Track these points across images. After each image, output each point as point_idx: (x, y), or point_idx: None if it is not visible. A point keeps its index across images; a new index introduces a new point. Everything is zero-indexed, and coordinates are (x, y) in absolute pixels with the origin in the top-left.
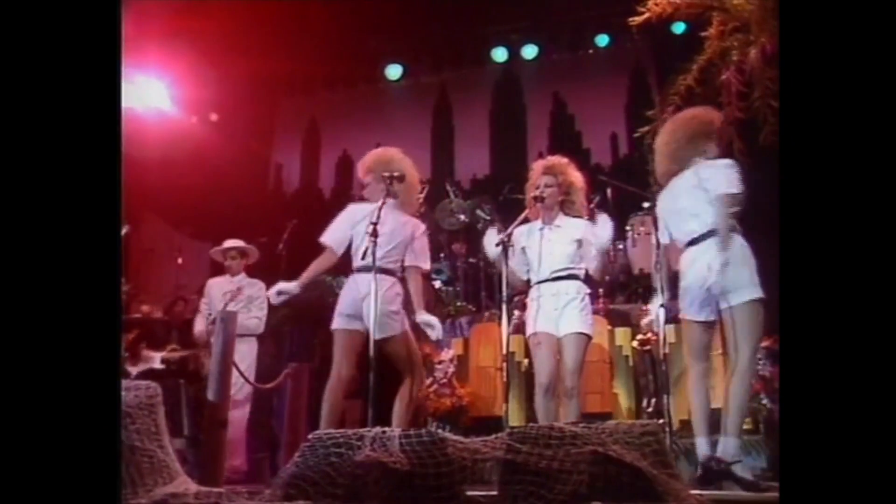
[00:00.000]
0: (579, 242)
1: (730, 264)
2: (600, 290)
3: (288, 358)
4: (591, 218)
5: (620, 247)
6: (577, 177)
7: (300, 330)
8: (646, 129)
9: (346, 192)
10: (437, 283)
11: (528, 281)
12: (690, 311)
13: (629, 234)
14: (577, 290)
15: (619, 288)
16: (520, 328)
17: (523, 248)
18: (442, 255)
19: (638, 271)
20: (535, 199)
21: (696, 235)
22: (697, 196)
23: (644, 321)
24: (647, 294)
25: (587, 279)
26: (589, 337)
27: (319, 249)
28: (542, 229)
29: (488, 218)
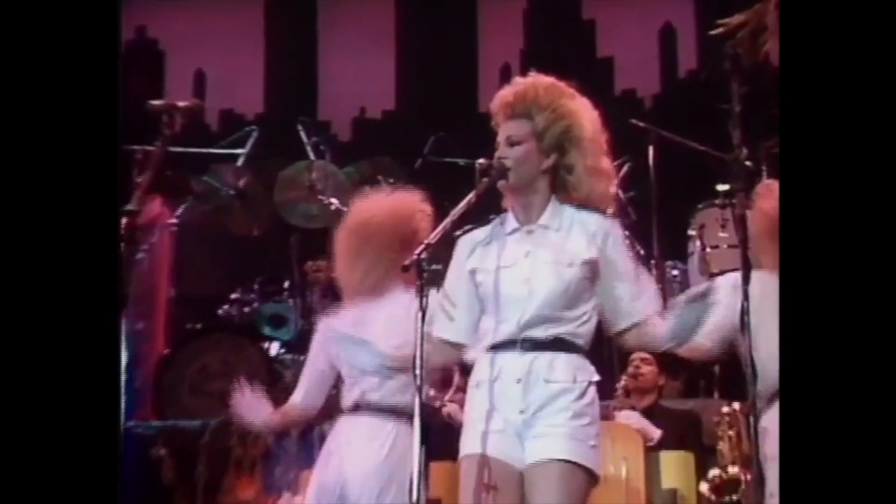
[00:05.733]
0: (589, 264)
1: None
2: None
3: None
4: (617, 208)
5: (675, 273)
6: (584, 115)
7: None
8: (735, 20)
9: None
10: (275, 347)
11: (462, 345)
12: None
13: (693, 244)
14: (571, 375)
15: (668, 362)
16: (448, 447)
17: (473, 271)
18: (286, 283)
19: None
20: (484, 170)
21: None
22: None
23: (724, 442)
24: (727, 377)
25: (598, 350)
26: (589, 474)
27: None
28: (511, 233)
29: None
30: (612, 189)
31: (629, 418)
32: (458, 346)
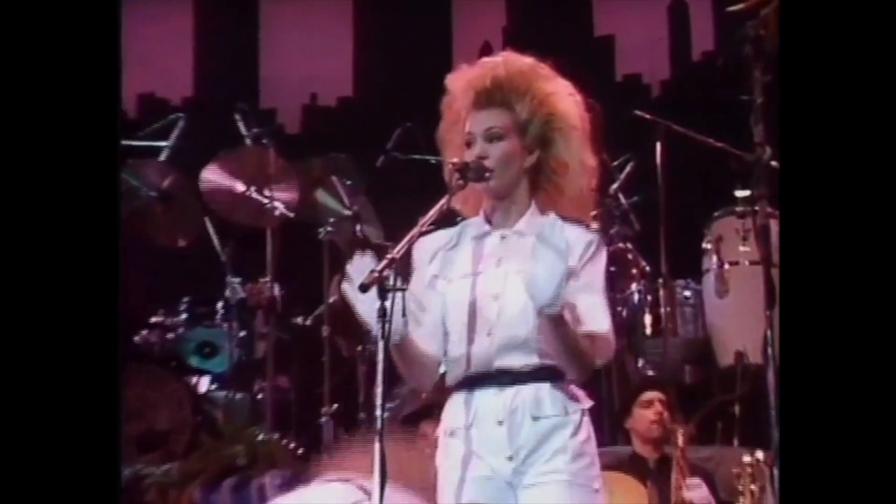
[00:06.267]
0: (567, 275)
1: None
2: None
3: None
4: (598, 219)
5: (687, 294)
6: (567, 99)
7: None
8: None
9: None
10: (205, 382)
11: (444, 371)
12: None
13: (709, 260)
14: (561, 406)
15: (685, 398)
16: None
17: (434, 278)
18: (219, 305)
19: (733, 357)
20: (460, 170)
21: None
22: None
23: (745, 497)
24: (749, 420)
25: (597, 382)
26: None
27: None
28: (483, 237)
29: (347, 211)
30: (593, 190)
31: (701, 495)
32: (429, 359)
